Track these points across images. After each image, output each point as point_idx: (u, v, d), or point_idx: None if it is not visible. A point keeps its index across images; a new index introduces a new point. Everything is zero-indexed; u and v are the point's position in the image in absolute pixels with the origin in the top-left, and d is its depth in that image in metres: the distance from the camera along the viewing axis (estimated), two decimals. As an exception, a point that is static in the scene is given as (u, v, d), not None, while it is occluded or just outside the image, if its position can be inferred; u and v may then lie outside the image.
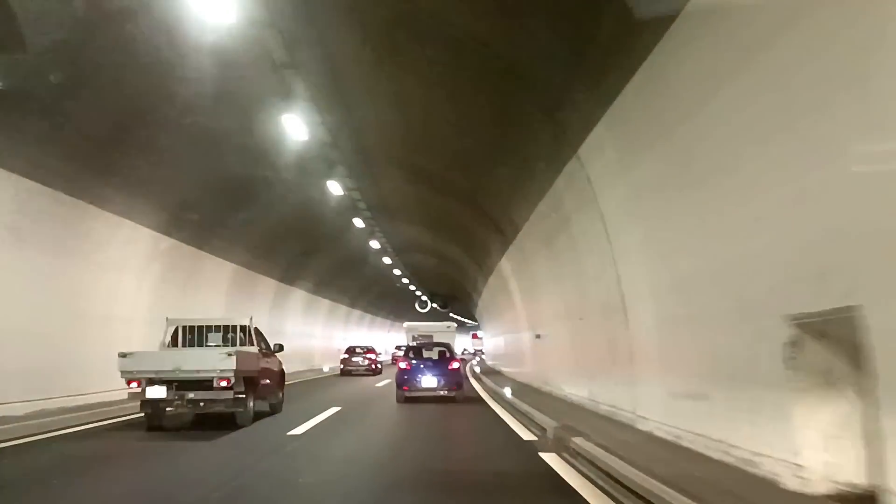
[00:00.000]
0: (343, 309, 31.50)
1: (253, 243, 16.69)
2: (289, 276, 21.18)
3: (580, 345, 10.95)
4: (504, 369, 24.04)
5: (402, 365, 14.77)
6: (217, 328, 10.21)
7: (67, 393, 9.79)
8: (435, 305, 39.34)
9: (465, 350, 44.69)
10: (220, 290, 16.24)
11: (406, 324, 38.68)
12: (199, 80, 8.22)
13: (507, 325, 22.90)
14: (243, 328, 10.12)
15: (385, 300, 36.74)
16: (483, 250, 18.78)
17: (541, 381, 15.02)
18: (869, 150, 3.36)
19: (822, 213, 3.80)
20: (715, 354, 5.49)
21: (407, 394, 13.98)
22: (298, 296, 23.52)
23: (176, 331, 9.93)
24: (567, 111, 7.61)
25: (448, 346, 16.26)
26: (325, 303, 26.82)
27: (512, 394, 13.70)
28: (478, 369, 27.22)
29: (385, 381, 19.44)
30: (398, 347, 35.36)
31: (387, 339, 42.70)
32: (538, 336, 12.14)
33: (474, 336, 44.19)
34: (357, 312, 35.41)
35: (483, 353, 40.09)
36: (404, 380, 14.28)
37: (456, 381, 14.30)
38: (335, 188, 14.09)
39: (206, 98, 8.89)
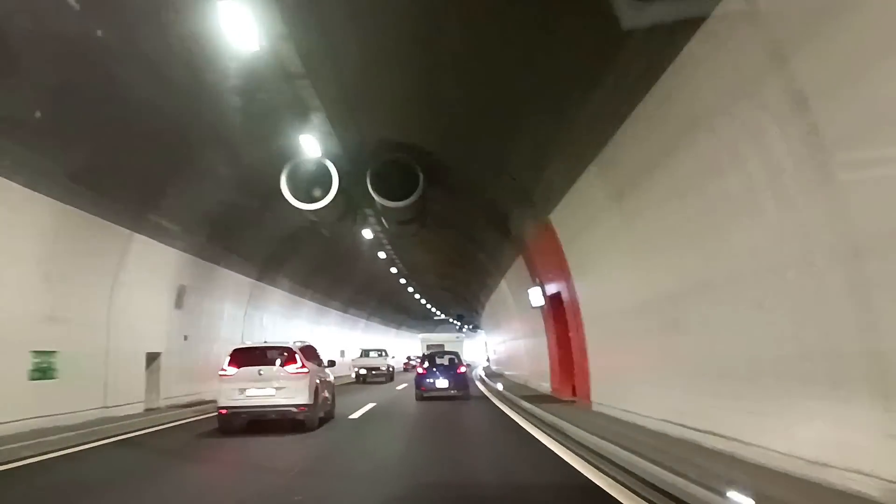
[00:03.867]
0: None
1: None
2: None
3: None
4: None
5: (419, 370, 19.03)
6: (374, 350, 32.83)
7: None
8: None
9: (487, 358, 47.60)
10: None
11: (421, 335, 47.48)
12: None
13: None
14: (385, 350, 33.25)
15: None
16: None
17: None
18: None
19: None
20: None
21: (424, 394, 18.15)
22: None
23: (363, 351, 32.55)
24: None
25: (456, 354, 20.90)
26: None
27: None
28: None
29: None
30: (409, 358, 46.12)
31: (394, 342, 53.46)
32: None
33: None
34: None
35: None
36: (421, 382, 18.37)
37: (463, 382, 18.39)
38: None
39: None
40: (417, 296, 44.45)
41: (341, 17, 7.69)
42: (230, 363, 11.42)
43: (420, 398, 17.88)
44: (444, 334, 45.43)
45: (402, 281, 35.31)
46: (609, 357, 11.24)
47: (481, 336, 54.77)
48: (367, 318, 42.69)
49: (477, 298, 35.85)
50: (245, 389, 11.04)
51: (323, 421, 12.00)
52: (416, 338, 54.14)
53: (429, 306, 53.19)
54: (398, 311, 51.54)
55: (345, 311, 35.23)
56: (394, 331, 56.31)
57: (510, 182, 12.83)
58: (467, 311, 53.35)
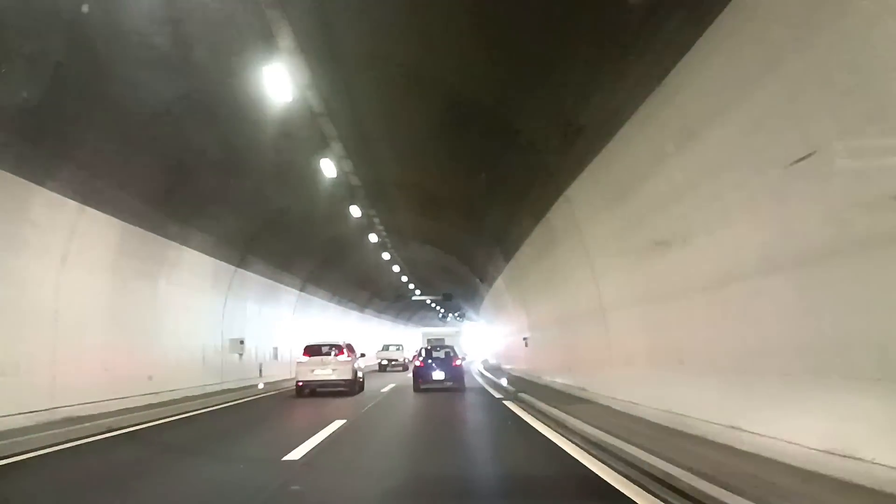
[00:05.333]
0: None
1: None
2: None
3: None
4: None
5: (418, 363, 20.65)
6: (393, 344, 42.09)
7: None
8: None
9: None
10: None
11: (422, 329, 52.68)
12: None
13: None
14: (402, 345, 42.15)
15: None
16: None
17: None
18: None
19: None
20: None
21: (422, 385, 19.53)
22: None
23: (385, 345, 41.97)
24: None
25: (452, 348, 22.19)
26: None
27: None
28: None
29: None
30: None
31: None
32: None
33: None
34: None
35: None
36: (419, 374, 19.92)
37: (459, 375, 19.77)
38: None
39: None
40: (387, 255, 28.45)
41: None
42: (304, 353, 18.66)
43: (417, 389, 19.11)
44: (444, 328, 53.06)
45: (355, 212, 20.82)
46: None
47: (476, 326, 53.39)
48: (301, 289, 27.67)
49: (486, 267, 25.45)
50: (313, 370, 18.00)
51: (358, 392, 18.79)
52: (386, 325, 52.05)
53: (404, 279, 37.10)
54: (355, 282, 35.00)
55: (245, 267, 19.01)
56: (355, 314, 39.91)
57: None
58: (460, 292, 41.38)
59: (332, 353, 18.70)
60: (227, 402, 16.02)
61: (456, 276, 34.50)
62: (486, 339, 47.99)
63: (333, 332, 33.07)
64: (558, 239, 12.54)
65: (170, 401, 14.57)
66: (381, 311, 49.63)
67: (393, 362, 38.74)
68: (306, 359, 18.52)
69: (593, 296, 11.02)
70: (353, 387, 18.42)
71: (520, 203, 14.36)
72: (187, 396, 15.67)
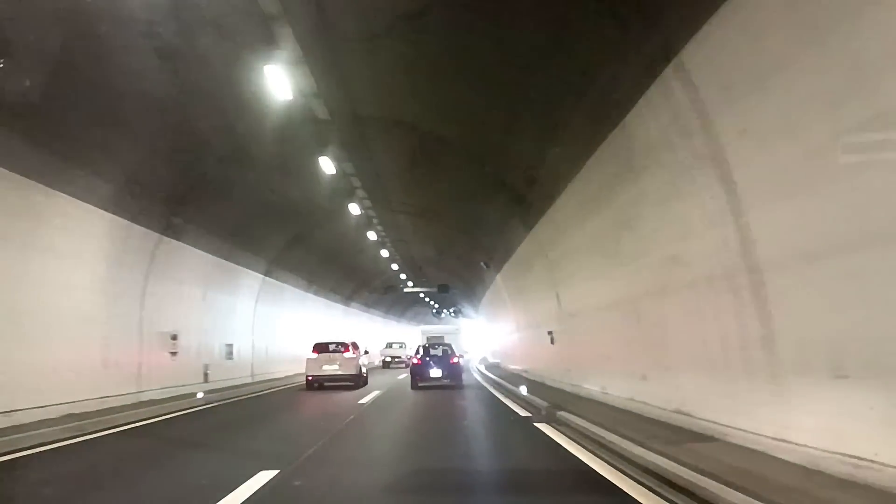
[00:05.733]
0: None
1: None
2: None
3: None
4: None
5: (415, 361, 21.03)
6: (396, 342, 44.74)
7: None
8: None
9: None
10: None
11: (422, 327, 54.06)
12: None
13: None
14: (405, 343, 44.67)
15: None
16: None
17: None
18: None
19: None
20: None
21: (419, 384, 19.63)
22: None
23: (389, 343, 44.86)
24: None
25: (450, 346, 22.62)
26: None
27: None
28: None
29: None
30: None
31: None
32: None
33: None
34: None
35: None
36: (417, 372, 20.19)
37: (457, 372, 20.30)
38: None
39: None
40: (373, 235, 23.84)
41: None
42: (313, 350, 20.35)
43: (415, 387, 19.32)
44: (443, 326, 54.65)
45: (328, 167, 15.54)
46: None
47: (476, 324, 52.21)
48: (266, 273, 22.70)
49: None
50: (322, 365, 19.84)
51: (363, 385, 20.50)
52: (376, 321, 50.98)
53: (394, 266, 32.61)
54: (337, 269, 30.34)
55: (176, 237, 14.92)
56: (340, 307, 35.46)
57: None
58: (458, 284, 37.60)
59: (339, 350, 20.73)
60: (124, 424, 10.76)
61: (455, 261, 29.48)
62: (486, 337, 44.41)
63: (314, 327, 28.98)
64: (639, 162, 7.54)
65: (27, 425, 9.58)
66: (369, 305, 44.89)
67: (396, 359, 41.04)
68: (315, 355, 20.40)
69: (722, 247, 6.04)
70: (357, 381, 20.36)
71: (571, 114, 8.79)
72: (70, 414, 10.70)
